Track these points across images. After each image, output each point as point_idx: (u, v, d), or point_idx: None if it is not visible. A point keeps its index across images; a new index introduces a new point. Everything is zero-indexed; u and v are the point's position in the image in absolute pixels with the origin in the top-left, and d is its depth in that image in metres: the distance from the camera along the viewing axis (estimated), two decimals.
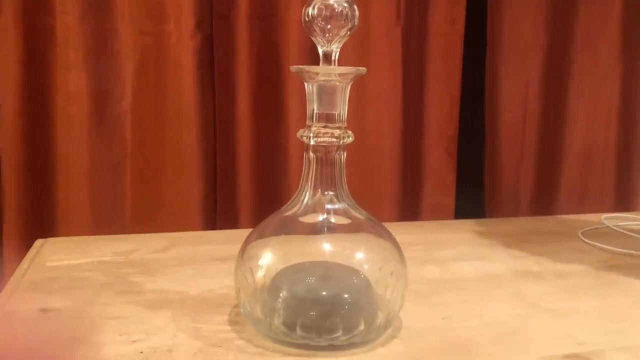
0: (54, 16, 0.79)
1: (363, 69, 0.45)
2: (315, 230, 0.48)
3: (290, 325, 0.44)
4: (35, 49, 0.80)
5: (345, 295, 0.47)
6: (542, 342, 0.48)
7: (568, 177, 1.06)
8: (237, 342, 0.46)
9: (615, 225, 0.85)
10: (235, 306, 0.52)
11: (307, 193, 0.48)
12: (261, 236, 0.48)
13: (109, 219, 0.86)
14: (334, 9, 0.44)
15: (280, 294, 0.46)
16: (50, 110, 0.82)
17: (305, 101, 0.47)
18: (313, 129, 0.46)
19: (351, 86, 0.47)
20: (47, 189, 0.83)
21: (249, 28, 0.86)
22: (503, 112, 1.01)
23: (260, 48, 0.88)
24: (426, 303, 0.55)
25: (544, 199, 1.06)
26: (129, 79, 0.83)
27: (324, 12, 0.44)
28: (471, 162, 1.03)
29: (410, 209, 0.99)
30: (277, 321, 0.45)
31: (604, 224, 0.87)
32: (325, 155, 0.47)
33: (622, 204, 1.08)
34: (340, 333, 0.44)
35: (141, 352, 0.44)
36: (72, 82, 0.81)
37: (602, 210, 1.03)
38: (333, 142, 0.47)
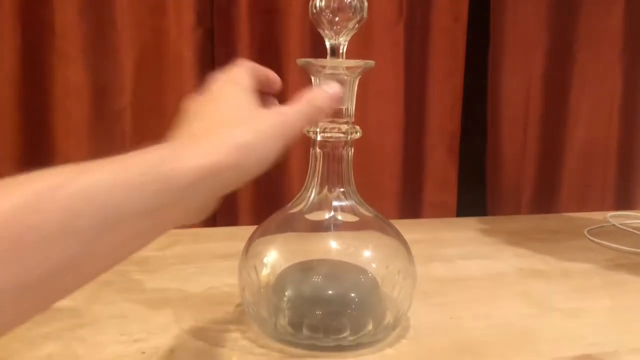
0: (52, 9, 0.78)
1: (371, 62, 0.44)
2: (322, 227, 0.47)
3: (296, 325, 0.43)
4: (34, 43, 0.79)
5: (353, 295, 0.46)
6: (552, 342, 0.47)
7: (570, 175, 1.05)
8: (241, 342, 0.45)
9: (621, 224, 0.85)
10: (239, 305, 0.51)
11: (314, 190, 0.47)
12: (266, 233, 0.47)
13: None
14: (342, 1, 0.43)
15: (286, 293, 0.45)
16: (48, 104, 0.80)
17: None
18: (320, 124, 0.45)
19: None
20: None
21: (250, 22, 0.85)
22: (505, 110, 1.00)
23: (262, 42, 0.86)
24: (433, 302, 0.54)
25: (546, 197, 1.05)
26: (128, 73, 0.82)
27: (332, 4, 0.43)
28: (473, 160, 1.02)
29: (411, 206, 0.98)
30: (283, 321, 0.44)
31: (609, 222, 0.86)
32: (332, 151, 0.46)
33: (624, 202, 1.08)
34: (348, 333, 0.43)
35: (143, 353, 0.43)
36: (71, 76, 0.80)
37: (604, 208, 1.03)
38: (340, 137, 0.45)
